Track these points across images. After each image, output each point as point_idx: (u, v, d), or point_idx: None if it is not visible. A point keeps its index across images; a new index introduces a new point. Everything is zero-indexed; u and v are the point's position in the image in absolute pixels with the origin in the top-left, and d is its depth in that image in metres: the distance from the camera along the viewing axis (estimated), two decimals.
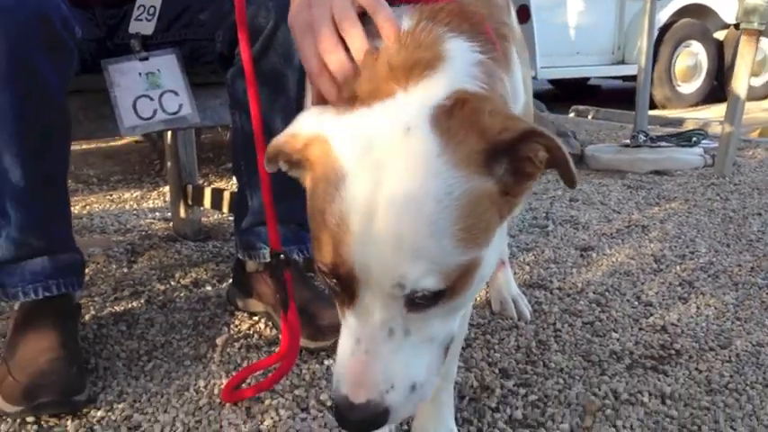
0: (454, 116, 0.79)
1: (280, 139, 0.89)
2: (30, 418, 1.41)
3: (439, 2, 0.93)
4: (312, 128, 0.85)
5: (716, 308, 1.99)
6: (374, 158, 0.77)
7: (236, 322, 1.86)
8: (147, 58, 1.59)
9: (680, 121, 5.77)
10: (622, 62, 7.86)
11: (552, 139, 0.80)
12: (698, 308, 1.99)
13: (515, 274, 2.14)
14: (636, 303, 2.02)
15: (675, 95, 7.94)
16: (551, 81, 8.73)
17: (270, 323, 1.85)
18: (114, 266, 2.28)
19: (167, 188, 3.41)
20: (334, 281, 0.82)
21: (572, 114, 6.31)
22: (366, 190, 0.76)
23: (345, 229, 0.77)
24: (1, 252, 1.48)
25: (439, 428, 1.32)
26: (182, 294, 2.04)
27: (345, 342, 0.84)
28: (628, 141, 3.97)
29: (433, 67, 0.82)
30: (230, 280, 2.04)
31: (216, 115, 1.84)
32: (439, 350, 0.87)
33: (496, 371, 1.63)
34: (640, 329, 1.86)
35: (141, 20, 1.61)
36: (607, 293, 2.08)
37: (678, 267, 2.30)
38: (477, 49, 0.87)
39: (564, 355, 1.71)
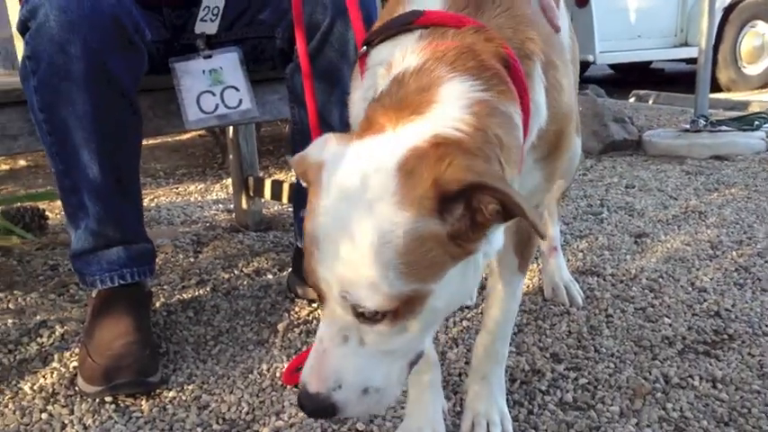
0: (422, 161, 0.86)
1: (295, 158, 1.00)
2: (108, 398, 1.52)
3: (464, 24, 1.00)
4: (316, 154, 0.95)
5: None
6: (343, 190, 0.88)
7: (296, 309, 1.95)
8: (210, 56, 1.69)
9: (745, 105, 5.62)
10: (685, 44, 7.65)
11: (505, 193, 0.84)
12: (753, 293, 1.98)
13: (568, 260, 2.17)
14: (690, 289, 2.02)
15: (741, 77, 7.70)
16: (612, 66, 8.57)
17: None
18: (181, 256, 2.40)
19: (229, 180, 3.54)
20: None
21: (632, 99, 6.22)
22: (330, 218, 0.88)
23: (313, 248, 0.90)
24: (80, 243, 1.60)
25: (490, 408, 1.37)
26: (245, 282, 2.14)
27: (317, 338, 0.96)
28: (687, 126, 3.91)
29: (421, 112, 0.91)
30: (290, 268, 2.13)
31: (275, 110, 1.93)
32: (401, 363, 0.97)
33: (547, 355, 1.67)
34: (693, 315, 1.87)
35: (206, 20, 1.70)
36: (661, 280, 2.09)
37: (735, 253, 2.28)
38: (478, 88, 0.93)
39: (615, 340, 1.73)
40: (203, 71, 1.68)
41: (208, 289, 2.09)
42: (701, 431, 1.38)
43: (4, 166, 4.05)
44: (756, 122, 3.82)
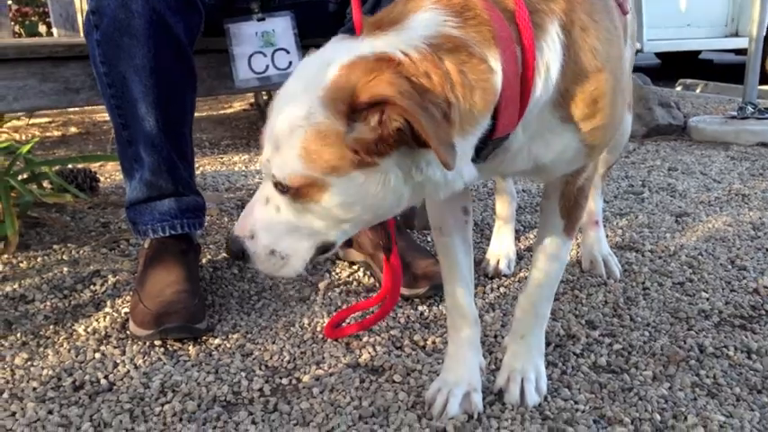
0: (359, 68, 0.97)
1: None
2: (157, 342, 1.59)
3: None
4: None
5: None
6: (300, 73, 1.05)
7: (337, 270, 2.01)
8: (263, 19, 1.76)
9: None
10: (736, 35, 7.47)
11: (412, 115, 0.92)
12: None
13: (607, 236, 2.18)
14: (729, 267, 2.03)
15: None
16: (658, 55, 8.43)
17: (368, 272, 1.98)
18: (226, 219, 2.47)
19: None
20: None
21: (679, 88, 6.13)
22: (282, 93, 1.05)
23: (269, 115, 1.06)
24: (135, 193, 1.68)
25: (527, 366, 1.40)
26: None
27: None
28: (734, 113, 3.86)
29: (387, 32, 1.01)
30: None
31: None
32: (306, 243, 1.10)
33: (583, 322, 1.70)
34: (732, 291, 1.87)
35: None
36: (700, 257, 2.10)
37: None
38: (451, 24, 1.00)
39: (651, 311, 1.75)
40: (256, 33, 1.74)
41: None
42: (733, 397, 1.39)
43: (57, 133, 4.18)
44: None
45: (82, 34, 2.20)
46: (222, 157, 3.53)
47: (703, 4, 7.29)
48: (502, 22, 1.03)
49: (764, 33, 4.06)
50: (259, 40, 1.74)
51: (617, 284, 1.91)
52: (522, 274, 1.98)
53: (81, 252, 2.12)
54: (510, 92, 1.04)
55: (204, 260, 2.06)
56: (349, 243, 2.01)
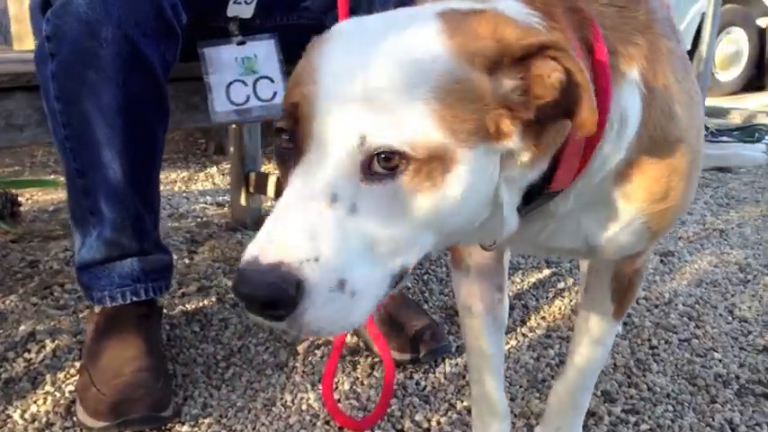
0: (469, 18, 0.76)
1: None
2: None
3: None
4: None
5: None
6: (374, 21, 0.78)
7: None
8: (243, 43, 1.49)
9: (723, 112, 5.58)
10: None
11: (573, 61, 0.72)
12: None
13: None
14: (730, 319, 1.91)
15: (715, 83, 7.71)
16: None
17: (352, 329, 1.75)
18: (175, 257, 2.18)
19: (214, 169, 3.33)
20: (286, 137, 0.75)
21: None
22: (347, 43, 0.75)
23: (309, 80, 0.73)
24: (90, 253, 1.38)
25: None
26: None
27: (278, 204, 0.71)
28: None
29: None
30: None
31: None
32: (383, 269, 0.72)
33: (598, 393, 1.53)
34: (741, 349, 1.75)
35: (240, 2, 1.49)
36: (697, 306, 1.98)
37: (766, 278, 2.18)
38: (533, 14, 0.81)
39: (666, 378, 1.61)
40: (235, 58, 1.48)
41: (213, 299, 1.89)
42: None
43: None
44: (757, 134, 3.77)
45: (15, 47, 1.85)
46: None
47: None
48: (580, 52, 0.82)
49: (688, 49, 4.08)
50: (239, 67, 1.47)
51: (623, 342, 1.75)
52: (518, 329, 1.80)
53: (7, 303, 1.80)
54: (576, 137, 0.83)
55: None
56: None
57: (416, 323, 1.62)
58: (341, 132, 0.70)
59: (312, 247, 0.67)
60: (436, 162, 0.71)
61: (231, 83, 1.47)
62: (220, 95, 1.46)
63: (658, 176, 0.95)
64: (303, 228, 0.68)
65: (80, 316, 1.74)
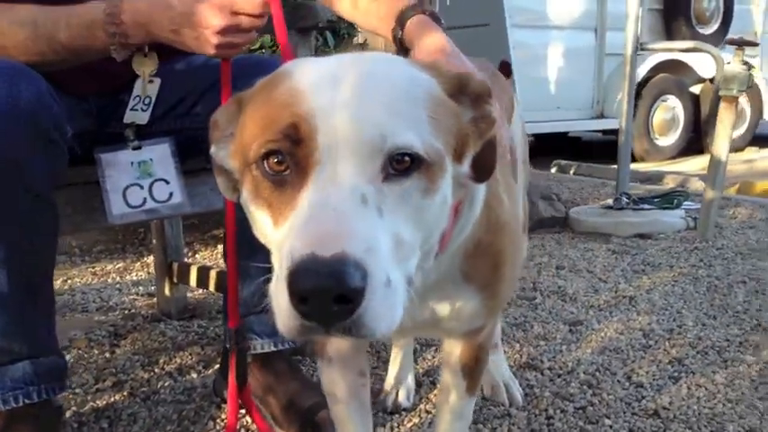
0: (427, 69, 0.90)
1: None
2: None
3: None
4: None
5: (706, 388, 1.97)
6: (327, 60, 0.87)
7: (223, 416, 1.81)
8: (140, 147, 1.58)
9: (659, 176, 5.83)
10: (602, 116, 7.96)
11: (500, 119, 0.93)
12: (689, 389, 1.97)
13: (505, 352, 2.12)
14: (627, 384, 2.00)
15: (654, 148, 8.06)
16: (532, 134, 8.81)
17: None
18: (96, 352, 2.23)
19: (151, 258, 3.38)
20: (278, 158, 0.78)
21: (554, 169, 6.37)
22: (345, 67, 0.82)
23: (318, 90, 0.78)
24: None
25: None
26: (166, 384, 1.99)
27: (311, 204, 0.72)
28: (611, 203, 4.00)
29: None
30: (216, 366, 2.00)
31: (206, 201, 1.82)
32: (404, 270, 0.76)
33: None
34: (633, 414, 1.84)
35: (137, 110, 1.60)
36: (598, 373, 2.07)
37: (667, 343, 2.28)
38: None
39: None
40: (131, 163, 1.57)
41: (125, 393, 1.94)
42: None
43: None
44: (676, 201, 3.95)
45: None
46: (94, 266, 3.27)
47: (570, 88, 7.73)
48: None
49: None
50: (135, 171, 1.56)
51: (520, 414, 1.83)
52: (422, 406, 1.87)
53: None
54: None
55: (68, 412, 1.82)
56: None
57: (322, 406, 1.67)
58: (359, 136, 0.74)
59: (366, 239, 0.68)
60: (436, 167, 0.80)
61: (128, 186, 1.56)
62: (117, 199, 1.55)
63: (491, 255, 1.07)
64: (349, 222, 0.69)
65: None
